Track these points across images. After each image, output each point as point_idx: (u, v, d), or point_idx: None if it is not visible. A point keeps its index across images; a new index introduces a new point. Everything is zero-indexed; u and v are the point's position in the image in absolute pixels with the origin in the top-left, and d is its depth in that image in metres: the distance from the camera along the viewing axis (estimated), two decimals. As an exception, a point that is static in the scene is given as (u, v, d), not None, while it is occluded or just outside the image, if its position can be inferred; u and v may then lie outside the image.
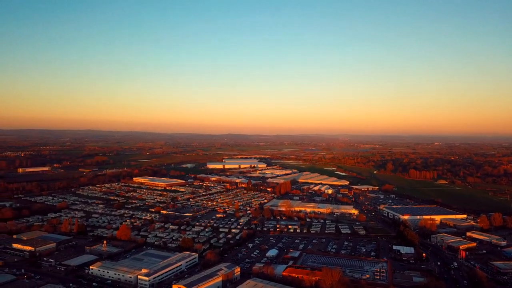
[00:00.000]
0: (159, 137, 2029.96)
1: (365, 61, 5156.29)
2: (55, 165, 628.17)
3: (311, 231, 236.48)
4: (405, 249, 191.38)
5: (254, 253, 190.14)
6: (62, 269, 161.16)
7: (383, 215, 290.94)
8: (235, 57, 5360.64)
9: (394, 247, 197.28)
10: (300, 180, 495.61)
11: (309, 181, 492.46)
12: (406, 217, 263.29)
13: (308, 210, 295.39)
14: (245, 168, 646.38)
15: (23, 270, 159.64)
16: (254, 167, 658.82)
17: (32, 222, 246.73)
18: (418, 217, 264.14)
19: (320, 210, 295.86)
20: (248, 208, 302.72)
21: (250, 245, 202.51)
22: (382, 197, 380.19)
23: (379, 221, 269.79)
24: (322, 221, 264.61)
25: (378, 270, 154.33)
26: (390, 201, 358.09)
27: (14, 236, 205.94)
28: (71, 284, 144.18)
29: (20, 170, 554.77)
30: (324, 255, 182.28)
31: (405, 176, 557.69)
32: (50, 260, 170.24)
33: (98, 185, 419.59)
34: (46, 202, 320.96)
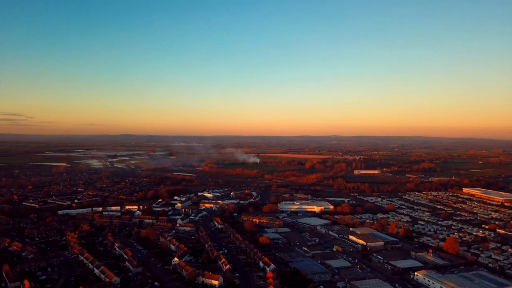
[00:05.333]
0: (495, 144, 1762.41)
1: None
2: (384, 169, 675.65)
3: None
4: None
5: None
6: (389, 268, 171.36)
7: None
8: None
9: None
10: None
11: None
12: None
13: None
14: None
15: (356, 260, 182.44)
16: None
17: (364, 219, 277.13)
18: None
19: None
20: None
21: None
22: None
23: None
24: None
25: None
26: None
27: (350, 229, 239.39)
28: (396, 285, 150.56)
29: (355, 171, 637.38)
30: None
31: None
32: (378, 257, 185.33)
33: (424, 192, 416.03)
34: (376, 203, 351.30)
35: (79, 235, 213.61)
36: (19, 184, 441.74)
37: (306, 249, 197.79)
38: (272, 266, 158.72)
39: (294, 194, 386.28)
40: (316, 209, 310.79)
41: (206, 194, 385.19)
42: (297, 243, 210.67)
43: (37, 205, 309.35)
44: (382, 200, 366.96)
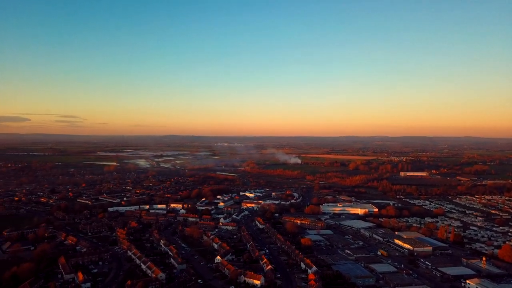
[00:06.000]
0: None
1: None
2: (432, 171, 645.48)
3: None
4: None
5: None
6: (438, 274, 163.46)
7: None
8: None
9: None
10: None
11: None
12: None
13: None
14: None
15: (402, 265, 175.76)
16: None
17: (411, 223, 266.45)
18: None
19: None
20: None
21: None
22: None
23: None
24: None
25: None
26: None
27: (396, 233, 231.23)
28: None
29: (401, 173, 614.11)
30: None
31: None
32: (426, 262, 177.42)
33: (476, 196, 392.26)
34: (423, 206, 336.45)
35: (127, 232, 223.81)
36: (74, 182, 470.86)
37: (349, 252, 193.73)
38: (314, 268, 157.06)
39: (337, 196, 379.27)
40: (359, 211, 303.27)
41: (248, 194, 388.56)
42: (340, 246, 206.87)
43: (89, 202, 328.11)
44: (430, 204, 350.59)
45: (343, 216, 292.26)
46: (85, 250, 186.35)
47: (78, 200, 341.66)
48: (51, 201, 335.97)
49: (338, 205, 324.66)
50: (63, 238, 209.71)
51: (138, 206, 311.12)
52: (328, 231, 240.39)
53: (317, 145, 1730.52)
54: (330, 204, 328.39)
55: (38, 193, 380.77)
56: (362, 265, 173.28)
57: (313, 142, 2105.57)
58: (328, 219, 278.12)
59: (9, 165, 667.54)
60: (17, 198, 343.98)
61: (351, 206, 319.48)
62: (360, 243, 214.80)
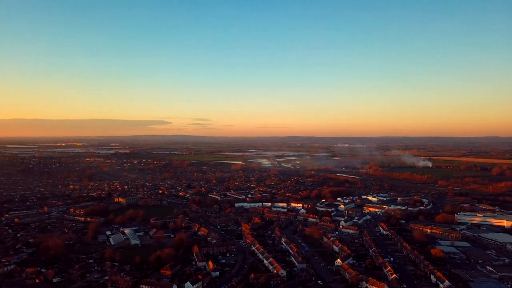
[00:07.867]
0: None
1: None
2: None
3: None
4: None
5: None
6: None
7: None
8: None
9: None
10: None
11: None
12: None
13: None
14: None
15: None
16: None
17: None
18: None
19: None
20: None
21: None
22: None
23: None
24: None
25: None
26: None
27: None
28: None
29: None
30: None
31: None
32: None
33: None
34: None
35: (251, 227, 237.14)
36: (206, 178, 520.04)
37: (491, 269, 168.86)
38: (447, 282, 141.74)
39: (476, 205, 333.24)
40: (505, 223, 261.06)
41: (370, 198, 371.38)
42: (480, 261, 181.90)
43: (219, 197, 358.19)
44: None
45: (484, 228, 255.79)
46: (214, 241, 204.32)
47: (209, 195, 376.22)
48: (187, 195, 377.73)
49: (478, 214, 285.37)
50: (196, 229, 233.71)
51: (261, 203, 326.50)
52: (465, 243, 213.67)
53: (452, 147, 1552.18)
54: (467, 213, 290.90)
55: (177, 187, 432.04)
56: (509, 286, 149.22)
57: (446, 143, 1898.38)
58: (465, 230, 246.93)
59: (155, 162, 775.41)
60: (161, 192, 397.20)
61: (495, 217, 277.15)
62: (506, 260, 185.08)
